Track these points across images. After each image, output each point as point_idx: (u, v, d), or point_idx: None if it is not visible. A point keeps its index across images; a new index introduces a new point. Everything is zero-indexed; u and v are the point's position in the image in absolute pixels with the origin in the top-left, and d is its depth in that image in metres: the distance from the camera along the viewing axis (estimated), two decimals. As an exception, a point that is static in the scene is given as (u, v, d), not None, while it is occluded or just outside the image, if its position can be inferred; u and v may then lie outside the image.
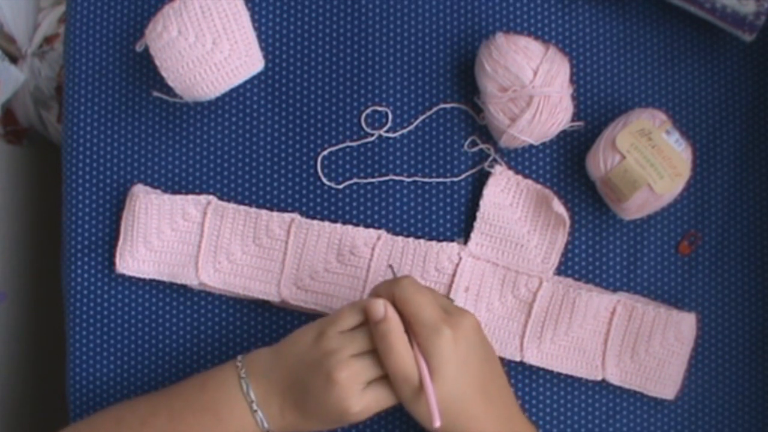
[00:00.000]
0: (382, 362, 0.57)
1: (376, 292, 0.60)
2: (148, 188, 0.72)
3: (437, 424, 0.56)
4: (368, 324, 0.59)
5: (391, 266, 0.69)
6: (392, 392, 0.59)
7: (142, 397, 0.65)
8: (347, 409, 0.58)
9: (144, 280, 0.72)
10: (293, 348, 0.60)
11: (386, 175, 0.72)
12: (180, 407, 0.61)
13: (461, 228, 0.72)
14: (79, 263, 0.72)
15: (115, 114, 0.73)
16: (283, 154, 0.72)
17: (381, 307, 0.57)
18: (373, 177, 0.72)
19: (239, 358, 0.62)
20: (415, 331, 0.57)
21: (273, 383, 0.60)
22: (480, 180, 0.72)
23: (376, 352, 0.58)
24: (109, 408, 0.65)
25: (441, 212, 0.72)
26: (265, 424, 0.60)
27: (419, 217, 0.72)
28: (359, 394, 0.58)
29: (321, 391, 0.58)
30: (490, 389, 0.59)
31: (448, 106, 0.72)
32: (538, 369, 0.71)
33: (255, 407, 0.59)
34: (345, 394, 0.57)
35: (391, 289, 0.59)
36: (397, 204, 0.72)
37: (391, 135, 0.72)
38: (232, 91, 0.70)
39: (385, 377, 0.58)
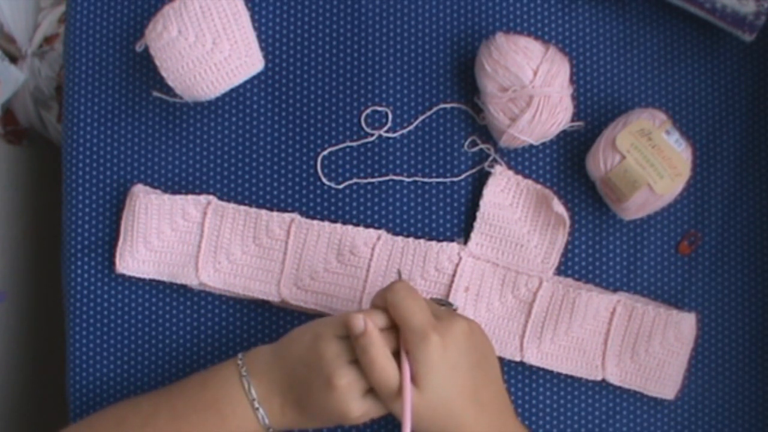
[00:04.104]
0: (365, 375, 0.57)
1: (374, 301, 0.61)
2: (148, 188, 0.72)
3: None
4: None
5: (399, 271, 0.69)
6: None
7: (144, 396, 0.65)
8: (347, 413, 0.58)
9: (144, 280, 0.72)
10: (292, 347, 0.60)
11: (386, 175, 0.72)
12: (182, 406, 0.61)
13: (461, 228, 0.72)
14: (79, 263, 0.72)
15: (115, 114, 0.73)
16: (283, 154, 0.72)
17: (360, 322, 0.57)
18: (373, 177, 0.72)
19: (240, 356, 0.62)
20: (404, 337, 0.57)
21: (274, 381, 0.60)
22: (480, 180, 0.71)
23: None
24: (110, 407, 0.65)
25: (441, 212, 0.72)
26: (267, 421, 0.60)
27: (419, 217, 0.72)
28: (359, 400, 0.58)
29: (321, 394, 0.58)
30: (481, 395, 0.59)
31: (448, 106, 0.72)
32: (538, 369, 0.71)
33: (257, 405, 0.59)
34: (345, 399, 0.57)
35: (384, 294, 0.59)
36: (397, 204, 0.72)
37: (391, 135, 0.72)
38: (232, 91, 0.70)
39: None
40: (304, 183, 0.72)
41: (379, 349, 0.56)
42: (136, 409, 0.63)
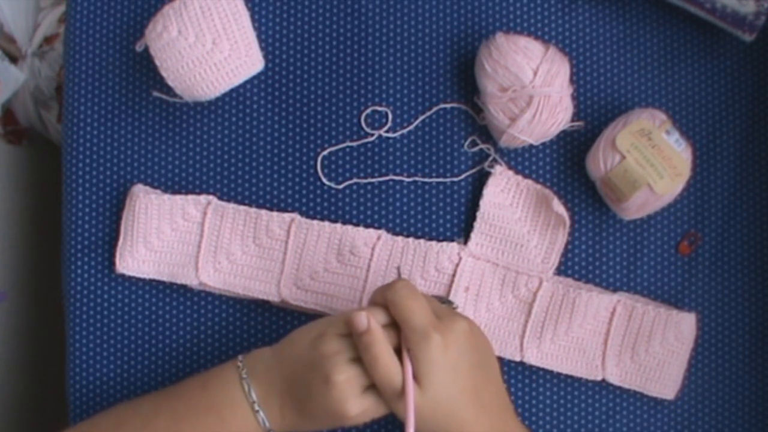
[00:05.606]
0: (368, 372, 0.57)
1: (373, 297, 0.61)
2: (148, 188, 0.72)
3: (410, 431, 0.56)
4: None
5: (398, 268, 0.69)
6: None
7: (144, 397, 0.65)
8: (345, 411, 0.57)
9: (144, 280, 0.72)
10: (293, 348, 0.60)
11: (386, 175, 0.72)
12: (182, 408, 0.61)
13: (461, 228, 0.72)
14: (79, 263, 0.72)
15: (115, 114, 0.73)
16: (283, 154, 0.72)
17: (363, 319, 0.57)
18: (373, 177, 0.72)
19: (240, 358, 0.62)
20: (406, 336, 0.57)
21: (274, 384, 0.60)
22: (480, 180, 0.72)
23: None
24: (110, 409, 0.65)
25: (441, 212, 0.72)
26: (267, 424, 0.60)
27: (419, 217, 0.72)
28: (358, 398, 0.58)
29: (320, 392, 0.58)
30: (482, 395, 0.59)
31: (448, 106, 0.72)
32: (538, 369, 0.71)
33: (257, 407, 0.59)
34: (343, 396, 0.57)
35: (385, 293, 0.59)
36: (397, 204, 0.72)
37: (391, 135, 0.72)
38: (232, 91, 0.70)
39: None
40: (304, 183, 0.72)
41: (383, 347, 0.56)
42: (136, 411, 0.63)
